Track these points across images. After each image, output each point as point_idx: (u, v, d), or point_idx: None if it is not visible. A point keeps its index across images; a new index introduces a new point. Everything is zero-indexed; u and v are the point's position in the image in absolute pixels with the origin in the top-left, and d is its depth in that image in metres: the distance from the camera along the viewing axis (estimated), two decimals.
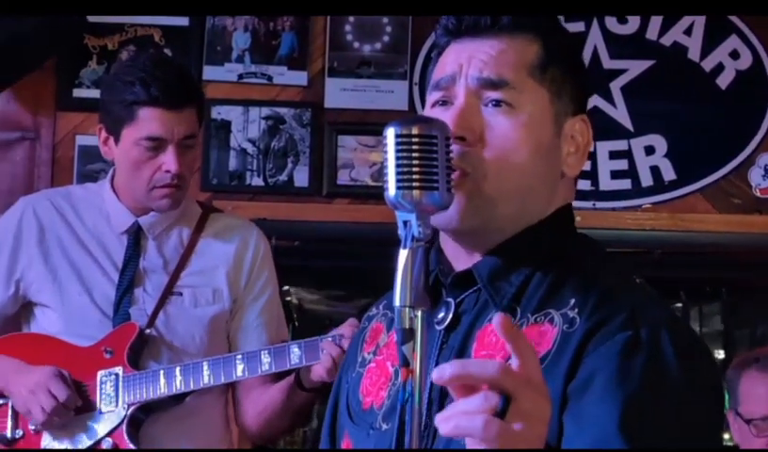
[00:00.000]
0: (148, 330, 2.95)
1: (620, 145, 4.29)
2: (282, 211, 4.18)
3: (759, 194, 4.28)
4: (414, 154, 1.39)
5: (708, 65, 4.33)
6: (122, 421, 2.90)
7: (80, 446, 2.90)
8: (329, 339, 2.79)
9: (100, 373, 2.92)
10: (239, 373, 2.89)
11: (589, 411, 1.40)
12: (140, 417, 2.93)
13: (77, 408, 2.89)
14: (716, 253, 4.66)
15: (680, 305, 5.55)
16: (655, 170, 4.29)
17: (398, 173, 1.39)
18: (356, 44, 4.30)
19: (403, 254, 1.37)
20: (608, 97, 4.29)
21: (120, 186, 3.03)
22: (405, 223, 1.40)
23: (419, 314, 1.33)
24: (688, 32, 4.34)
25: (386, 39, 4.30)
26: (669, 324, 1.50)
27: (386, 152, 1.41)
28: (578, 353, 1.46)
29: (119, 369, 2.92)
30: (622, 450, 1.37)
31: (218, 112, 4.22)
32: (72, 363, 2.91)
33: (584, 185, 4.20)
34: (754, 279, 5.15)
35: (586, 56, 4.23)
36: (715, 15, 4.30)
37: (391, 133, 1.41)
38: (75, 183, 4.03)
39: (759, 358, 3.32)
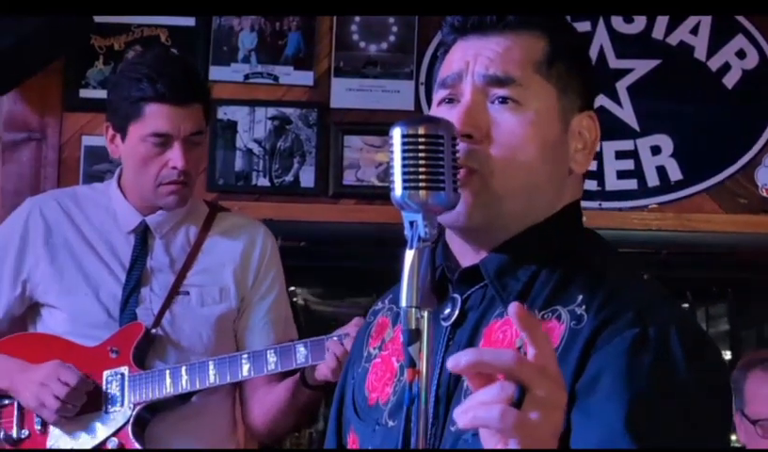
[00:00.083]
0: (154, 330, 2.95)
1: (626, 145, 4.28)
2: (288, 211, 4.17)
3: (765, 194, 4.27)
4: (420, 155, 1.39)
5: (714, 64, 4.32)
6: (128, 421, 2.90)
7: (86, 446, 2.90)
8: (335, 338, 2.79)
9: (106, 373, 2.93)
10: (245, 372, 2.89)
11: (597, 408, 1.40)
12: (146, 417, 2.93)
13: (83, 407, 2.89)
14: (723, 253, 4.66)
15: (686, 305, 5.55)
16: (661, 170, 4.28)
17: (404, 173, 1.39)
18: (362, 44, 4.30)
19: (409, 255, 1.37)
20: (614, 97, 4.28)
21: (127, 185, 3.03)
22: (411, 224, 1.40)
23: (425, 314, 1.33)
24: (694, 31, 4.33)
25: (392, 38, 4.30)
26: (678, 322, 1.50)
27: (392, 152, 1.41)
28: (586, 350, 1.46)
29: (124, 369, 2.92)
30: (629, 449, 1.37)
31: (224, 112, 4.23)
32: (77, 363, 2.91)
33: (591, 185, 4.19)
34: (761, 279, 5.15)
35: (592, 55, 4.23)
36: (722, 15, 4.29)
37: (397, 133, 1.41)
38: (82, 183, 4.03)
39: (765, 359, 3.32)
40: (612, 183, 4.27)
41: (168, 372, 2.90)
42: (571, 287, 1.53)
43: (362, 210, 4.20)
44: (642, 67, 4.32)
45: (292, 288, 5.02)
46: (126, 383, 2.92)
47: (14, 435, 2.95)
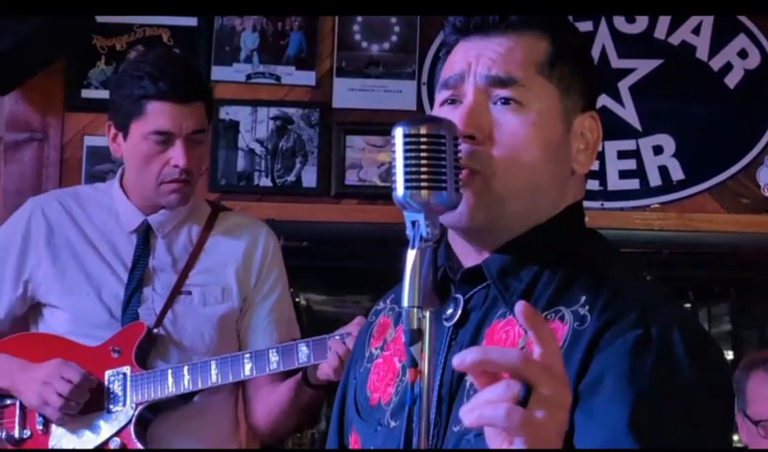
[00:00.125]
0: (156, 330, 2.95)
1: (628, 145, 4.28)
2: (290, 211, 4.17)
3: (767, 194, 4.27)
4: (422, 154, 1.39)
5: (716, 64, 4.32)
6: (130, 420, 2.90)
7: (88, 446, 2.90)
8: (337, 337, 2.79)
9: (108, 373, 2.93)
10: (247, 372, 2.89)
11: (600, 409, 1.40)
12: (148, 417, 2.93)
13: (85, 407, 2.90)
14: (725, 253, 4.66)
15: (688, 305, 5.54)
16: (663, 170, 4.28)
17: (406, 173, 1.39)
18: (364, 44, 4.30)
19: (411, 254, 1.37)
20: (616, 97, 4.28)
21: (130, 185, 3.03)
22: (413, 223, 1.39)
23: (427, 314, 1.33)
24: (696, 31, 4.33)
25: (394, 38, 4.30)
26: (680, 323, 1.50)
27: (394, 152, 1.41)
28: (589, 351, 1.46)
29: (126, 369, 2.92)
30: (632, 450, 1.37)
31: (227, 112, 4.23)
32: (79, 363, 2.91)
33: (593, 184, 4.19)
34: (763, 279, 5.14)
35: (594, 55, 4.23)
36: (724, 15, 4.29)
37: (399, 133, 1.41)
38: (84, 183, 4.03)
39: (767, 359, 3.31)
40: (614, 182, 4.27)
41: (170, 372, 2.90)
42: (574, 288, 1.53)
43: (364, 210, 4.20)
44: (644, 67, 4.32)
45: (294, 288, 5.02)
46: (128, 383, 2.92)
47: (16, 435, 2.95)
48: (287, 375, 2.97)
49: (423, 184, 1.38)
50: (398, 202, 1.41)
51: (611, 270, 1.58)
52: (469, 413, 1.23)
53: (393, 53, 4.28)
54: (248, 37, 4.28)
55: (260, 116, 4.24)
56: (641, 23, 4.34)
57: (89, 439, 2.91)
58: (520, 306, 1.24)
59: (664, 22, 4.34)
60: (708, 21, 4.32)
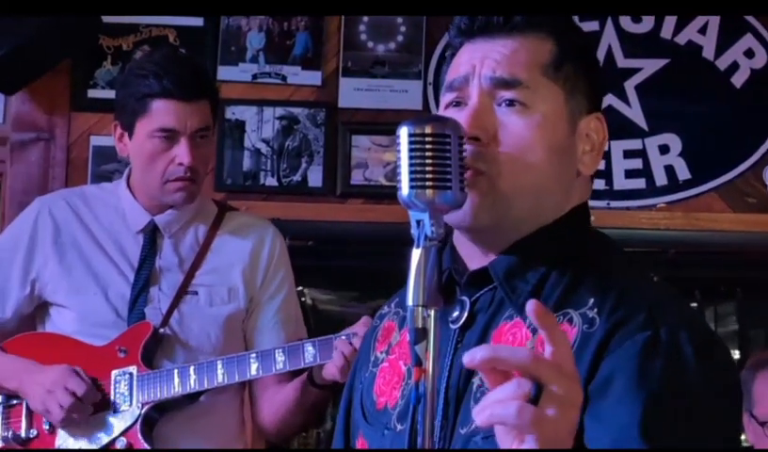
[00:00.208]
0: (162, 330, 2.95)
1: (635, 144, 4.28)
2: (296, 211, 4.17)
3: None
4: (427, 154, 1.39)
5: (722, 64, 4.31)
6: (136, 420, 2.90)
7: (94, 446, 2.90)
8: (343, 337, 2.79)
9: (114, 372, 2.93)
10: (253, 372, 2.89)
11: (609, 411, 1.40)
12: (154, 416, 2.93)
13: (93, 406, 2.90)
14: (731, 253, 4.65)
15: (695, 305, 5.53)
16: (669, 170, 4.27)
17: (411, 173, 1.39)
18: (370, 44, 4.30)
19: (416, 254, 1.37)
20: (622, 96, 4.28)
21: (136, 184, 3.04)
22: (418, 222, 1.40)
23: (432, 313, 1.33)
24: (702, 31, 4.33)
25: (400, 38, 4.30)
26: (688, 324, 1.50)
27: (399, 151, 1.41)
28: (598, 353, 1.46)
29: (133, 368, 2.92)
30: (642, 450, 1.37)
31: (233, 112, 4.23)
32: (86, 363, 2.91)
33: (599, 184, 4.19)
34: None
35: (601, 55, 4.23)
36: (730, 15, 4.29)
37: (404, 132, 1.41)
38: (90, 183, 4.04)
39: None
40: (620, 182, 4.27)
41: (176, 371, 2.90)
42: (582, 290, 1.53)
43: (370, 209, 4.20)
44: (650, 66, 4.32)
45: (300, 288, 5.02)
46: (134, 383, 2.92)
47: (23, 435, 2.95)
48: (294, 375, 2.97)
49: (427, 183, 1.39)
50: (403, 202, 1.41)
51: (618, 272, 1.58)
52: (480, 413, 1.23)
53: (399, 53, 4.28)
54: (254, 37, 4.28)
55: (266, 116, 4.24)
56: (647, 22, 4.34)
57: (96, 439, 2.91)
58: (531, 304, 1.24)
59: (670, 21, 4.33)
60: (714, 20, 4.32)
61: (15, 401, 2.98)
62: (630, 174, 4.28)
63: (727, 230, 4.28)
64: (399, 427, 1.61)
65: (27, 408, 2.95)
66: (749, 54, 4.32)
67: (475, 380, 1.52)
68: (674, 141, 4.28)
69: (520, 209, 1.56)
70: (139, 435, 2.89)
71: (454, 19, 1.66)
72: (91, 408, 2.89)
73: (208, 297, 3.00)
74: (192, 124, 2.90)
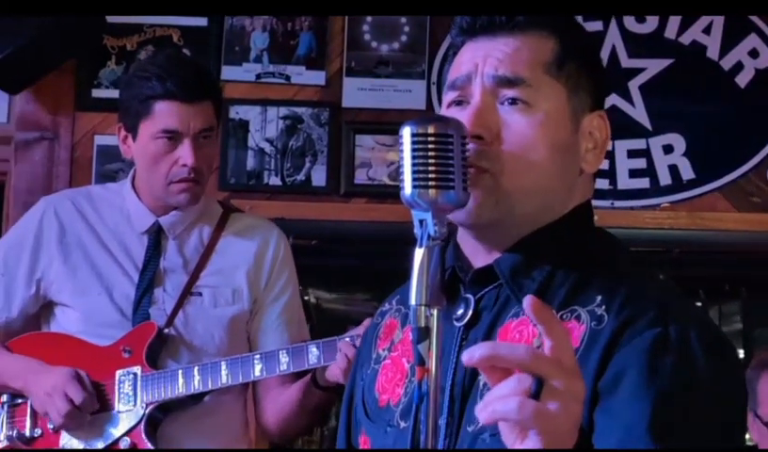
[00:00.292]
0: (167, 330, 2.96)
1: (639, 144, 4.28)
2: (300, 210, 4.18)
3: None
4: (430, 153, 1.39)
5: (727, 64, 4.31)
6: (140, 420, 2.91)
7: (98, 445, 2.91)
8: (347, 339, 2.79)
9: (118, 372, 2.93)
10: (257, 373, 2.90)
11: (619, 408, 1.40)
12: (158, 417, 2.94)
13: (89, 415, 2.90)
14: (735, 252, 4.64)
15: (699, 304, 5.52)
16: (674, 169, 4.27)
17: (414, 172, 1.39)
18: (374, 44, 4.30)
19: (419, 253, 1.37)
20: (626, 96, 4.28)
21: (140, 185, 3.04)
22: (420, 222, 1.40)
23: (434, 312, 1.33)
24: (707, 31, 4.32)
25: (404, 38, 4.30)
26: (698, 322, 1.51)
27: (402, 151, 1.41)
28: (607, 350, 1.46)
29: (137, 368, 2.93)
30: (651, 450, 1.37)
31: (236, 112, 4.23)
32: (90, 363, 2.92)
33: (603, 184, 4.19)
34: None
35: (605, 55, 4.23)
36: (734, 15, 4.29)
37: (407, 132, 1.41)
38: (94, 182, 4.04)
39: None
40: (624, 182, 4.26)
41: (180, 372, 2.91)
42: (589, 287, 1.53)
43: (374, 209, 4.20)
44: (654, 66, 4.32)
45: (303, 287, 5.03)
46: (139, 383, 2.92)
47: (27, 434, 2.96)
48: (297, 376, 2.97)
49: (430, 183, 1.39)
50: (406, 201, 1.41)
51: (625, 269, 1.58)
52: (482, 410, 1.23)
53: (403, 52, 4.28)
54: (257, 37, 4.28)
55: (269, 115, 4.24)
56: (651, 22, 4.33)
57: (100, 438, 2.92)
58: (528, 300, 1.24)
59: (674, 21, 4.33)
60: (718, 20, 4.31)
61: (20, 400, 2.99)
62: (634, 174, 4.27)
63: (731, 229, 4.27)
64: (402, 424, 1.61)
65: (32, 407, 2.96)
66: (754, 54, 4.31)
67: (481, 378, 1.51)
68: (678, 141, 4.28)
69: (523, 207, 1.56)
70: (143, 435, 2.90)
71: (455, 18, 1.66)
72: (89, 416, 2.89)
73: (212, 298, 3.00)
74: (195, 125, 2.90)
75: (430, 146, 1.39)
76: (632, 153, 4.27)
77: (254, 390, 3.10)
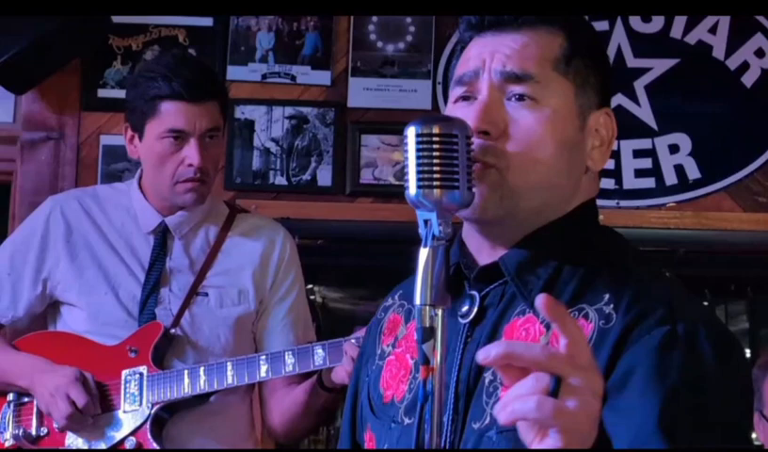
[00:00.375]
0: (173, 330, 2.96)
1: (644, 144, 4.27)
2: (306, 210, 4.18)
3: None
4: (435, 154, 1.39)
5: (733, 63, 4.30)
6: (146, 420, 2.91)
7: (104, 445, 2.91)
8: (352, 341, 2.79)
9: (124, 372, 2.93)
10: (263, 373, 2.90)
11: (629, 405, 1.40)
12: (164, 417, 2.94)
13: (102, 406, 2.90)
14: (741, 252, 4.64)
15: (705, 304, 5.52)
16: (679, 169, 4.27)
17: (419, 172, 1.39)
18: (379, 44, 4.30)
19: (423, 253, 1.37)
20: (632, 96, 4.27)
21: (147, 185, 3.05)
22: (425, 222, 1.40)
23: (439, 312, 1.33)
24: (713, 31, 4.32)
25: (409, 38, 4.30)
26: (706, 320, 1.51)
27: (407, 151, 1.41)
28: (616, 349, 1.46)
29: (143, 368, 2.93)
30: (661, 450, 1.37)
31: (242, 112, 4.23)
32: (96, 362, 2.92)
33: (608, 183, 4.18)
34: None
35: (610, 54, 4.22)
36: (740, 15, 4.28)
37: (411, 132, 1.41)
38: (100, 182, 4.05)
39: None
40: (630, 181, 4.26)
41: (186, 372, 2.91)
42: (596, 286, 1.53)
43: (379, 208, 4.20)
44: (660, 66, 4.31)
45: (309, 286, 5.03)
46: (145, 383, 2.92)
47: (33, 433, 2.96)
48: (303, 377, 2.97)
49: (435, 183, 1.39)
50: (411, 201, 1.41)
51: (631, 267, 1.58)
52: (501, 411, 1.22)
53: (408, 52, 4.28)
54: (263, 37, 4.28)
55: (275, 115, 4.24)
56: (657, 22, 4.33)
57: (105, 438, 2.92)
58: (541, 298, 1.23)
59: (680, 21, 4.32)
60: (724, 20, 4.31)
61: (26, 399, 2.99)
62: (639, 174, 4.27)
63: (736, 229, 4.27)
64: (407, 420, 1.61)
65: (38, 406, 2.96)
66: (759, 53, 4.30)
67: (487, 375, 1.52)
68: (684, 141, 4.27)
69: (528, 203, 1.56)
70: (149, 435, 2.90)
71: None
72: (90, 419, 2.89)
73: (218, 298, 3.01)
74: (201, 125, 2.91)
75: (435, 146, 1.39)
76: (638, 153, 4.26)
77: (260, 391, 3.10)
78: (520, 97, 1.56)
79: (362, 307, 5.64)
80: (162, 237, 3.03)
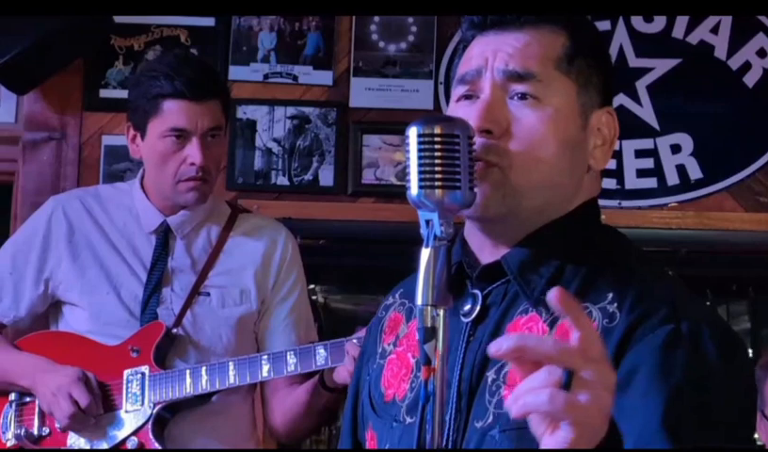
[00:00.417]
0: (175, 330, 2.96)
1: (646, 144, 4.27)
2: (307, 210, 4.18)
3: None
4: (436, 154, 1.40)
5: (734, 63, 4.30)
6: (148, 420, 2.91)
7: (106, 445, 2.91)
8: (354, 341, 2.79)
9: (126, 372, 2.94)
10: (265, 373, 2.90)
11: (633, 404, 1.40)
12: (166, 416, 2.94)
13: (104, 406, 2.90)
14: (743, 252, 4.63)
15: (707, 304, 5.51)
16: (681, 169, 4.27)
17: (420, 173, 1.40)
18: (381, 44, 4.30)
19: (425, 253, 1.37)
20: (634, 96, 4.27)
21: (149, 185, 3.05)
22: (427, 222, 1.40)
23: (441, 312, 1.33)
24: (714, 31, 4.31)
25: (411, 38, 4.30)
26: (710, 320, 1.51)
27: (408, 151, 1.42)
28: (620, 348, 1.46)
29: (145, 368, 2.93)
30: (665, 450, 1.37)
31: (244, 112, 4.23)
32: (98, 362, 2.92)
33: (610, 183, 4.18)
34: None
35: (612, 54, 4.22)
36: (742, 15, 4.28)
37: (413, 132, 1.41)
38: (102, 182, 4.05)
39: None
40: (631, 181, 4.26)
41: (188, 372, 2.91)
42: (599, 285, 1.53)
43: (381, 208, 4.19)
44: (662, 66, 4.31)
45: (311, 286, 5.03)
46: (146, 383, 2.93)
47: (35, 432, 2.96)
48: (305, 377, 2.97)
49: (436, 183, 1.39)
50: (412, 202, 1.41)
51: (634, 266, 1.58)
52: (513, 404, 1.22)
53: (410, 52, 4.28)
54: (265, 37, 4.28)
55: (277, 115, 4.24)
56: (659, 22, 4.33)
57: (107, 438, 2.92)
58: (554, 291, 1.22)
59: (682, 21, 4.32)
60: (726, 20, 4.30)
61: (28, 399, 2.99)
62: (641, 174, 4.27)
63: (738, 229, 4.27)
64: (408, 419, 1.61)
65: (40, 406, 2.96)
66: (761, 53, 4.30)
67: (489, 374, 1.52)
68: (686, 141, 4.27)
69: (530, 202, 1.56)
70: (151, 435, 2.90)
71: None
72: (93, 419, 2.89)
73: (220, 298, 3.01)
74: (203, 124, 2.91)
75: (436, 146, 1.39)
76: (640, 153, 4.26)
77: (262, 391, 3.10)
78: (523, 96, 1.57)
79: (364, 307, 5.64)
80: (164, 237, 3.03)
